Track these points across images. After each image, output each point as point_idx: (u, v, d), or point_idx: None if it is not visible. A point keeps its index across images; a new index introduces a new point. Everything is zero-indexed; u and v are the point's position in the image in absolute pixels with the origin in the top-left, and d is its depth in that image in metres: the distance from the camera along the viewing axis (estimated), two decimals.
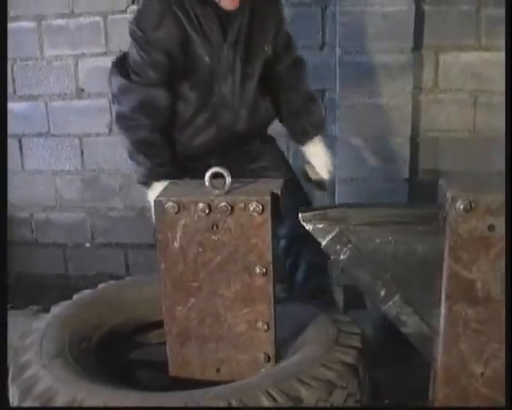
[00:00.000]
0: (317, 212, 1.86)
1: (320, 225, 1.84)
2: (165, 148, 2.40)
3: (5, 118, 2.27)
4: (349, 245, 1.84)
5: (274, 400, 1.58)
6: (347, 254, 1.84)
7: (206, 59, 2.37)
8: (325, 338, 1.89)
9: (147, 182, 2.41)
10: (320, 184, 2.70)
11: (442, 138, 3.53)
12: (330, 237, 1.84)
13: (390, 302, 1.88)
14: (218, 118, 2.49)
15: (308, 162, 2.71)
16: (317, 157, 2.68)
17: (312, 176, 2.69)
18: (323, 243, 1.85)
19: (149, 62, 2.32)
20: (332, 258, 1.86)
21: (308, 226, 1.84)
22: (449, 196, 1.73)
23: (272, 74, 2.60)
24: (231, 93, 2.46)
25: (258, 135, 2.67)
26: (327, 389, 1.66)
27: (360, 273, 1.86)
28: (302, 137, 2.70)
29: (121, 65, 2.40)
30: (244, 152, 2.62)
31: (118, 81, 2.39)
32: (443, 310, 1.81)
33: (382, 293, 1.87)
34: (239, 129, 2.54)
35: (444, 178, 1.89)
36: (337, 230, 1.84)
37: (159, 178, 2.35)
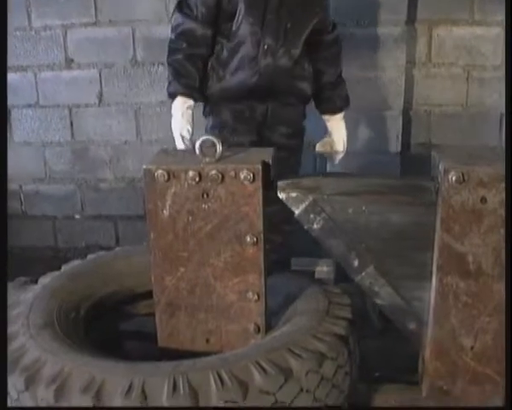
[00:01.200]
0: (290, 181, 1.84)
1: (293, 194, 1.83)
2: (194, 75, 2.60)
3: (5, 118, 2.26)
4: (323, 215, 1.83)
5: (264, 371, 1.57)
6: (321, 223, 1.83)
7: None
8: (316, 309, 1.88)
9: (172, 95, 2.62)
10: (332, 157, 2.85)
11: (435, 112, 3.52)
12: (304, 206, 1.83)
13: (363, 273, 1.87)
14: (258, 62, 2.60)
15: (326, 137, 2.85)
16: (337, 130, 2.83)
17: (327, 148, 2.83)
18: (297, 212, 1.84)
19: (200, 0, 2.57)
20: (305, 227, 1.84)
21: (281, 195, 1.83)
22: (441, 167, 1.72)
23: (316, 43, 2.72)
24: (275, 40, 2.57)
25: (292, 94, 2.73)
26: (317, 360, 1.66)
27: (334, 243, 1.85)
28: (328, 108, 2.83)
29: (182, 2, 2.63)
30: (278, 108, 2.72)
31: (175, 15, 2.65)
32: (434, 282, 1.81)
33: (356, 264, 1.87)
34: (276, 79, 2.62)
35: (437, 150, 1.88)
36: (310, 199, 1.82)
37: (184, 94, 2.59)
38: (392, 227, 1.82)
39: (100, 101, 3.73)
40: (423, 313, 1.88)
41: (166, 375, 1.55)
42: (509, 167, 1.68)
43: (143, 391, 1.51)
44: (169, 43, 2.65)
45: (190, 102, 2.60)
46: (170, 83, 2.64)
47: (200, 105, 2.70)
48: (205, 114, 2.78)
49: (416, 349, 1.95)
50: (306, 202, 1.82)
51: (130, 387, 1.52)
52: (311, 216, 1.83)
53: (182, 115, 2.58)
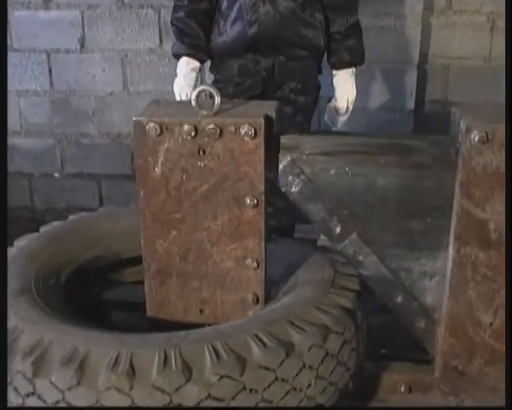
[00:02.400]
0: None
1: None
2: (198, 32, 2.70)
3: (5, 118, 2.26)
4: (301, 176, 1.82)
5: (263, 344, 1.58)
6: (299, 186, 1.83)
7: None
8: (320, 279, 1.89)
9: (176, 56, 2.74)
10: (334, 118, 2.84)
11: (453, 66, 3.50)
12: (281, 166, 1.82)
13: (346, 241, 1.87)
14: (257, 10, 2.61)
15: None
16: (342, 87, 2.80)
17: (332, 111, 2.83)
18: None
19: None
20: (283, 190, 1.84)
21: None
22: (463, 125, 1.71)
23: None
24: None
25: (300, 45, 2.72)
26: (321, 334, 1.66)
27: (313, 208, 1.85)
28: (335, 61, 2.80)
29: None
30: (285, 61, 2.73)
31: None
32: (451, 252, 1.81)
33: (338, 230, 1.86)
34: (279, 29, 2.63)
35: (457, 106, 1.87)
36: (288, 159, 1.81)
37: (189, 53, 2.70)
38: (379, 191, 1.82)
39: (82, 46, 3.69)
40: (412, 284, 1.89)
41: (157, 347, 1.55)
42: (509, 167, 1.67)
43: (131, 365, 1.51)
44: (174, 3, 2.74)
45: (195, 64, 2.66)
46: (174, 43, 2.72)
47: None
48: (211, 69, 2.79)
49: (405, 325, 1.96)
50: (284, 163, 1.81)
51: (116, 359, 1.52)
52: (290, 178, 1.82)
53: (184, 77, 2.64)
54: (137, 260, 1.94)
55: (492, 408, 1.90)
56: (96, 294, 2.23)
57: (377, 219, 1.85)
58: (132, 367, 1.50)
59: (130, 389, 1.48)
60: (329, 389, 1.68)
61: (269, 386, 1.55)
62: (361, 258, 1.88)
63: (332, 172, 1.81)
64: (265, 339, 1.59)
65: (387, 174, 1.80)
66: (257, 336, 1.59)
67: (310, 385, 1.63)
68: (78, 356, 1.53)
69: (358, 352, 1.80)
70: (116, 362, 1.51)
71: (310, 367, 1.62)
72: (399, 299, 1.91)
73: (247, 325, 1.68)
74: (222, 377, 1.51)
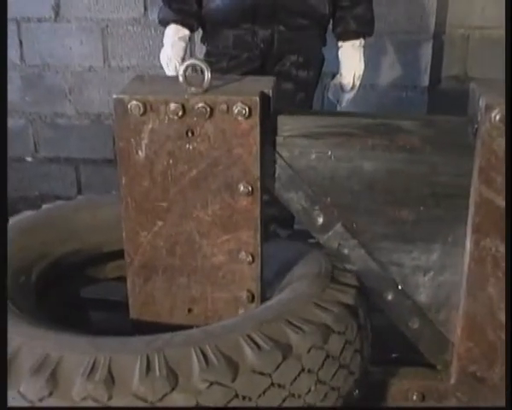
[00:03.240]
0: None
1: None
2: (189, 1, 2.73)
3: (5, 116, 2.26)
4: (279, 161, 1.83)
5: (257, 346, 1.58)
6: (277, 172, 1.84)
7: None
8: (318, 274, 1.89)
9: (163, 22, 2.75)
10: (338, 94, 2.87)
11: (474, 37, 3.50)
12: None
13: (330, 232, 1.88)
14: None
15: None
16: (348, 60, 2.81)
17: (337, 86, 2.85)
18: None
19: None
20: None
21: None
22: (482, 103, 1.71)
23: None
24: None
25: (302, 14, 2.73)
26: (321, 333, 1.66)
27: (293, 196, 1.86)
28: (340, 31, 2.82)
29: None
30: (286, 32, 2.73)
31: None
32: (468, 245, 1.82)
33: (320, 221, 1.87)
34: None
35: (477, 82, 1.87)
36: None
37: (177, 20, 2.71)
38: (365, 177, 1.83)
39: (57, 14, 3.70)
40: (404, 280, 1.90)
41: (138, 352, 1.54)
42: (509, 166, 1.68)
43: (110, 372, 1.50)
44: None
45: (184, 32, 2.66)
46: (160, 8, 2.71)
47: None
48: (202, 39, 2.78)
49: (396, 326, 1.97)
50: None
51: (93, 366, 1.51)
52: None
53: (171, 47, 2.63)
54: (119, 254, 1.94)
55: (492, 408, 1.92)
56: (73, 292, 2.24)
57: (364, 208, 1.86)
58: (111, 375, 1.49)
59: (109, 399, 1.47)
60: (331, 394, 1.69)
61: (264, 392, 1.55)
62: (347, 251, 1.90)
63: (313, 156, 1.82)
64: (259, 340, 1.59)
65: (374, 158, 1.81)
66: (250, 337, 1.59)
67: (309, 391, 1.63)
68: (50, 363, 1.52)
69: (362, 354, 1.81)
70: (92, 369, 1.50)
71: (309, 371, 1.62)
72: (390, 296, 1.93)
73: (238, 324, 1.68)
74: (211, 383, 1.50)
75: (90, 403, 1.47)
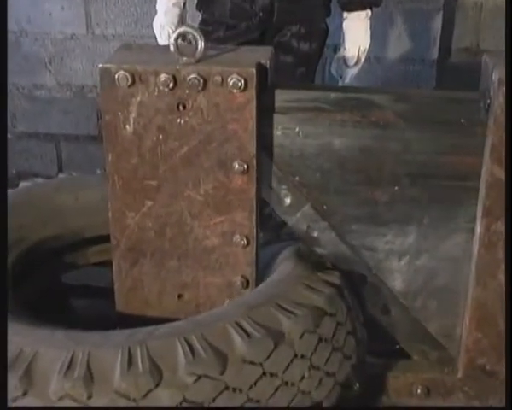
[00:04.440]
0: None
1: None
2: None
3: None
4: None
5: (247, 334, 1.58)
6: None
7: None
8: (303, 256, 1.92)
9: None
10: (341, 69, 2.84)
11: (486, 6, 3.50)
12: None
13: (298, 214, 1.89)
14: None
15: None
16: (353, 32, 2.79)
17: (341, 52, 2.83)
18: None
19: None
20: None
21: None
22: (495, 77, 1.72)
23: None
24: None
25: None
26: (314, 317, 1.68)
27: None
28: (347, 1, 2.79)
29: None
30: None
31: None
32: (478, 229, 1.83)
33: (288, 201, 1.88)
34: None
35: (490, 54, 1.87)
36: None
37: None
38: (335, 154, 1.83)
39: None
40: (377, 265, 1.92)
41: (119, 345, 1.54)
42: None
43: (89, 368, 1.49)
44: None
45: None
46: None
47: None
48: (197, 6, 2.77)
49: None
50: None
51: (70, 362, 1.50)
52: None
53: (165, 13, 2.62)
54: (103, 238, 1.95)
55: (492, 408, 1.94)
56: (52, 280, 2.24)
57: (334, 188, 1.86)
58: (90, 371, 1.49)
59: (89, 397, 1.46)
60: (327, 381, 1.70)
61: (255, 383, 1.56)
62: (316, 234, 1.90)
63: (279, 132, 1.82)
64: (249, 327, 1.60)
65: (345, 134, 1.81)
66: (239, 325, 1.60)
67: (303, 377, 1.64)
68: (24, 359, 1.51)
69: (356, 336, 1.82)
70: (70, 365, 1.49)
71: (302, 357, 1.63)
72: (363, 282, 1.94)
73: (225, 311, 1.69)
74: (199, 376, 1.50)
75: (68, 403, 1.46)
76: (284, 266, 1.89)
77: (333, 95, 1.82)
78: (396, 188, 1.84)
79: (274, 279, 1.83)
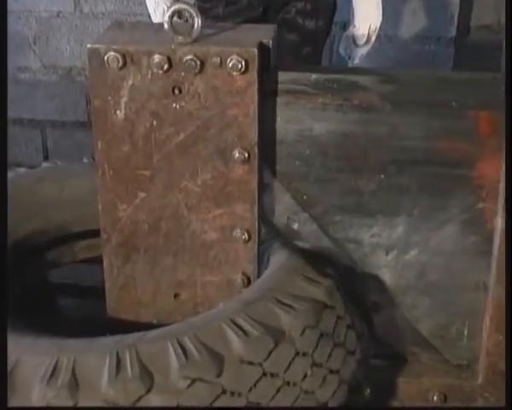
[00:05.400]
0: None
1: None
2: None
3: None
4: None
5: (244, 333, 1.58)
6: None
7: None
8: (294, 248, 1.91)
9: None
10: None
11: None
12: None
13: (277, 205, 1.89)
14: None
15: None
16: (364, 6, 2.79)
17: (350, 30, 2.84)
18: None
19: None
20: None
21: None
22: None
23: None
24: None
25: None
26: (315, 311, 1.69)
27: None
28: None
29: None
30: None
31: None
32: (499, 224, 1.83)
33: None
34: None
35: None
36: None
37: None
38: (316, 140, 1.83)
39: None
40: (363, 260, 1.92)
41: (107, 349, 1.54)
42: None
43: (74, 374, 1.49)
44: None
45: None
46: None
47: None
48: None
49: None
50: None
51: (54, 368, 1.50)
52: None
53: None
54: (92, 233, 1.96)
55: (492, 408, 1.95)
56: (37, 277, 2.25)
57: (315, 177, 1.86)
58: (75, 377, 1.48)
59: (75, 405, 1.46)
60: (331, 378, 1.70)
61: (255, 385, 1.56)
62: (297, 226, 1.90)
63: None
64: (246, 325, 1.60)
65: (326, 119, 1.81)
66: (235, 323, 1.60)
67: (305, 376, 1.64)
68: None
69: (356, 331, 1.83)
70: (54, 372, 1.49)
71: (304, 354, 1.63)
72: (348, 279, 1.93)
73: (220, 309, 1.70)
74: (193, 380, 1.50)
75: None
76: (278, 256, 1.89)
77: (313, 76, 1.81)
78: (382, 176, 1.83)
79: (269, 272, 1.83)
